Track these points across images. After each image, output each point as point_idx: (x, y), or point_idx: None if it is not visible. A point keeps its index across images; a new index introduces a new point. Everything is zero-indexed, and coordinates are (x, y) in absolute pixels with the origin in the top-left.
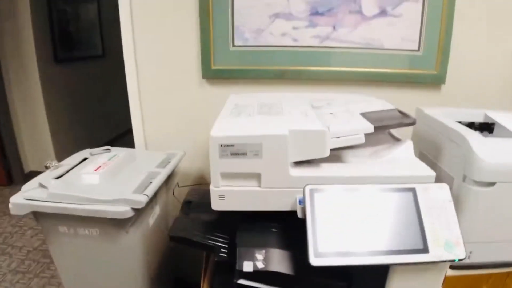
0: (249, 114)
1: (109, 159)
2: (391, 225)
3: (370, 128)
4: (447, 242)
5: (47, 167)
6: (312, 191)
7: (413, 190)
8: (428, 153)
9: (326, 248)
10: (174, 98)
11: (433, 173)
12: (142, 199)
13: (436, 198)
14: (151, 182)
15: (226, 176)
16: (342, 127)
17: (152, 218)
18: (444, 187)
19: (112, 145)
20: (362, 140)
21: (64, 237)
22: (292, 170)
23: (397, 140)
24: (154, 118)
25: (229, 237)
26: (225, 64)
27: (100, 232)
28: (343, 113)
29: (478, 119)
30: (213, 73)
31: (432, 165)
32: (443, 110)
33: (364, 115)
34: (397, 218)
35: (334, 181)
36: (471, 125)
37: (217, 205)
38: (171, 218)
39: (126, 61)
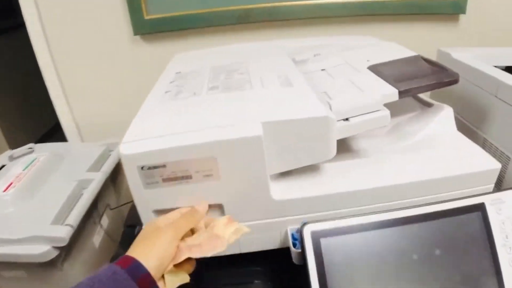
0: (194, 93)
1: (26, 168)
2: (446, 278)
3: (392, 94)
4: None
5: None
6: (315, 235)
7: (481, 208)
8: (464, 117)
9: None
10: (102, 67)
11: (497, 165)
12: (63, 233)
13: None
14: (82, 194)
15: (164, 212)
16: (350, 99)
17: (98, 235)
18: None
19: None
20: (387, 120)
21: None
22: (274, 190)
23: (426, 105)
24: (83, 97)
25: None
26: (163, 11)
27: (27, 274)
28: (342, 69)
29: None
30: (148, 25)
31: (472, 135)
32: (472, 52)
33: (374, 70)
34: (458, 264)
35: (344, 200)
36: (509, 70)
37: None
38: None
39: (28, 24)
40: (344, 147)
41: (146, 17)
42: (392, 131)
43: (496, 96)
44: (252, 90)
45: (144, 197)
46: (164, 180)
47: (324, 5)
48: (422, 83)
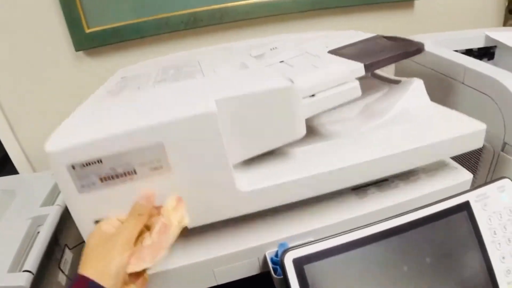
0: (139, 87)
1: None
2: (440, 284)
3: (358, 69)
4: None
5: None
6: (298, 263)
7: (466, 207)
8: None
9: None
10: (46, 89)
11: (483, 126)
12: (22, 282)
13: (500, 208)
14: (39, 232)
15: None
16: (314, 75)
17: (62, 276)
18: (508, 185)
19: None
20: (357, 91)
21: None
22: (240, 182)
23: (393, 82)
24: (29, 124)
25: None
26: (105, 22)
27: None
28: (303, 58)
29: (476, 44)
30: (91, 39)
31: None
32: (431, 38)
33: (336, 53)
34: (450, 268)
35: (320, 183)
36: (469, 53)
37: None
38: None
39: None
40: (314, 133)
41: (88, 31)
42: (364, 112)
43: (463, 83)
44: (204, 78)
45: (80, 204)
46: (102, 179)
47: (275, 3)
48: (387, 54)
